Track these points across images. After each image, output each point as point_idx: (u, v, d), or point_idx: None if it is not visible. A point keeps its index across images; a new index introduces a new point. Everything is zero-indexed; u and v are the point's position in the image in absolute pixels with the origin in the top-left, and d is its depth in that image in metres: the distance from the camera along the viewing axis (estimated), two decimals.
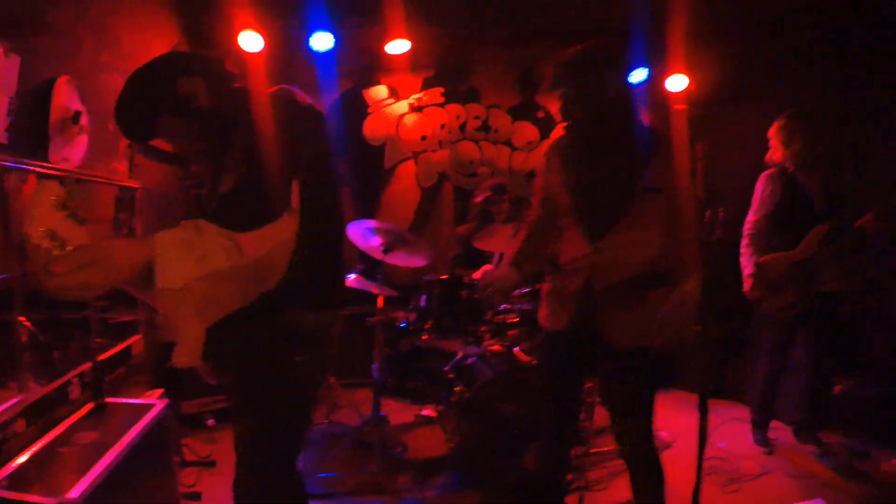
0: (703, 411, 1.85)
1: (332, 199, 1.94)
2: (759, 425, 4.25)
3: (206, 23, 5.11)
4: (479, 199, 4.49)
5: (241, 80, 1.92)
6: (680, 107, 5.87)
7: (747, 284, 3.94)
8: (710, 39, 5.73)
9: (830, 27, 5.22)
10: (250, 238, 1.51)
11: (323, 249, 1.88)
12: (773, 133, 4.03)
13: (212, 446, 3.78)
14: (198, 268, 1.43)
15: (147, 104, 1.77)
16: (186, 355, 1.49)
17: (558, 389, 2.58)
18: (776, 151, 4.00)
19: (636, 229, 2.32)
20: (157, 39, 4.38)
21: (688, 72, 5.88)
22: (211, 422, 4.12)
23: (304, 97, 1.84)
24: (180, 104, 1.77)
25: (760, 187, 4.02)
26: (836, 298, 3.99)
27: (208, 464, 3.56)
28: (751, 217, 4.04)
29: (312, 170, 1.75)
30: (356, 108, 6.02)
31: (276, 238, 1.59)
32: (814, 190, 3.90)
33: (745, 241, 4.02)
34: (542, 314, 2.57)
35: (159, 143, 1.87)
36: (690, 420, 2.05)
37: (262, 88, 1.85)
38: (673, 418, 4.61)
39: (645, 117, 2.53)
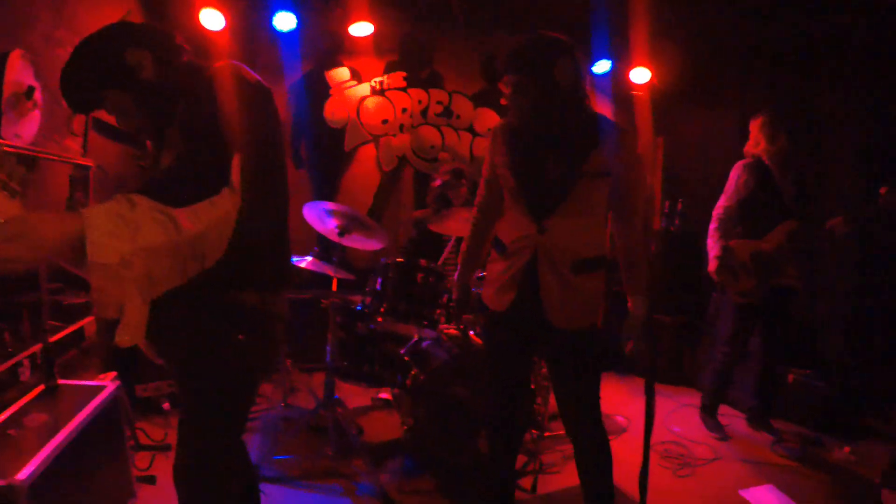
0: (650, 395, 1.90)
1: (277, 177, 1.90)
2: (709, 411, 4.36)
3: (166, 1, 5.04)
4: (437, 183, 4.50)
5: (189, 55, 1.89)
6: (637, 92, 5.97)
7: (713, 265, 4.03)
8: (672, 34, 5.82)
9: (791, 24, 5.33)
10: (186, 213, 1.48)
11: (266, 228, 1.85)
12: (757, 126, 4.10)
13: (167, 430, 3.75)
14: (131, 242, 1.39)
15: (92, 74, 1.74)
16: (129, 334, 1.48)
17: (504, 370, 2.59)
18: (758, 144, 4.09)
19: (580, 211, 2.34)
20: (114, 15, 4.29)
21: (650, 65, 5.98)
22: (166, 405, 4.08)
23: (250, 73, 1.81)
24: (125, 76, 1.74)
25: (735, 175, 4.12)
26: (791, 293, 4.13)
27: (163, 447, 3.54)
28: (723, 202, 4.14)
29: (255, 147, 1.71)
30: (318, 89, 5.99)
31: (214, 214, 1.54)
32: (785, 185, 4.02)
33: (714, 225, 4.12)
34: (487, 294, 2.57)
35: (107, 117, 1.84)
36: (642, 406, 2.11)
37: (208, 64, 1.82)
38: (629, 403, 4.73)
39: (598, 105, 2.55)
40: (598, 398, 2.48)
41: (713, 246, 4.07)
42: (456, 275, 2.83)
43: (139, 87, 1.76)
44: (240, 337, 1.78)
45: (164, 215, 1.45)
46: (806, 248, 3.95)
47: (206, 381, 1.80)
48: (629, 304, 2.52)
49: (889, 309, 4.62)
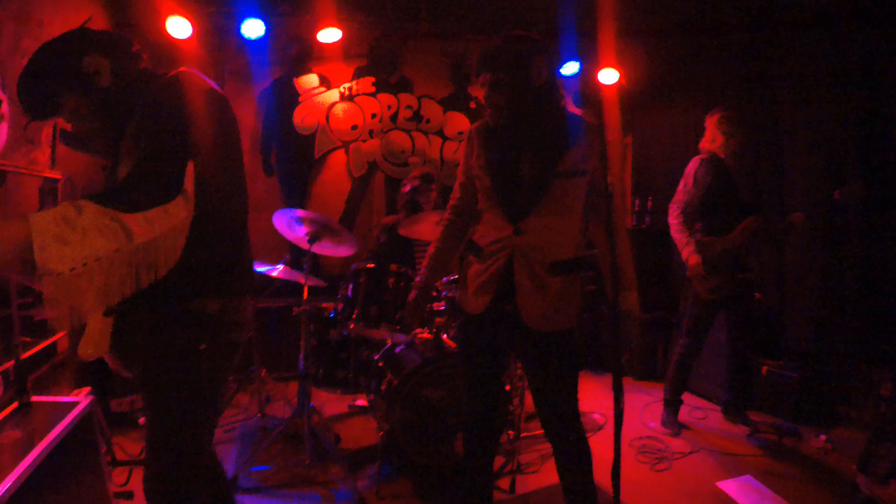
0: (618, 390, 1.92)
1: (233, 184, 1.90)
2: (671, 405, 4.38)
3: (132, 8, 4.99)
4: (407, 188, 4.50)
5: (146, 63, 1.90)
6: (604, 94, 6.02)
7: (693, 259, 4.06)
8: (638, 36, 5.89)
9: (754, 25, 5.42)
10: (138, 220, 1.47)
11: (223, 235, 1.85)
12: (713, 123, 4.15)
13: (143, 445, 3.71)
14: (80, 247, 1.37)
15: (50, 79, 1.73)
16: (92, 347, 1.46)
17: (479, 373, 2.59)
18: (714, 140, 4.14)
19: (556, 212, 2.34)
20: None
21: (618, 66, 6.03)
22: (142, 420, 4.02)
23: (205, 80, 1.80)
24: (83, 82, 1.75)
25: (692, 171, 4.17)
26: (755, 286, 4.19)
27: (140, 462, 3.48)
28: (680, 197, 4.19)
29: (210, 154, 1.72)
30: (287, 96, 5.96)
31: (168, 222, 1.54)
32: (741, 182, 4.08)
33: (678, 221, 4.16)
34: (462, 297, 2.57)
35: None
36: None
37: (164, 72, 1.82)
38: (605, 401, 4.76)
39: (571, 106, 2.57)
40: (575, 398, 2.47)
41: (685, 241, 4.11)
42: (418, 278, 2.75)
43: (96, 93, 1.77)
44: (201, 347, 1.77)
45: (115, 221, 1.43)
46: (769, 243, 4.02)
47: (170, 390, 1.78)
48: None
49: (856, 298, 4.69)
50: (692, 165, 4.18)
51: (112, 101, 1.78)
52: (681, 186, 4.20)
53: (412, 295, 2.71)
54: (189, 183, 1.60)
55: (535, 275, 2.34)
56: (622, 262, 2.45)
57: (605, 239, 2.43)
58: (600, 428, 4.27)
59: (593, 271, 2.62)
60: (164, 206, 1.53)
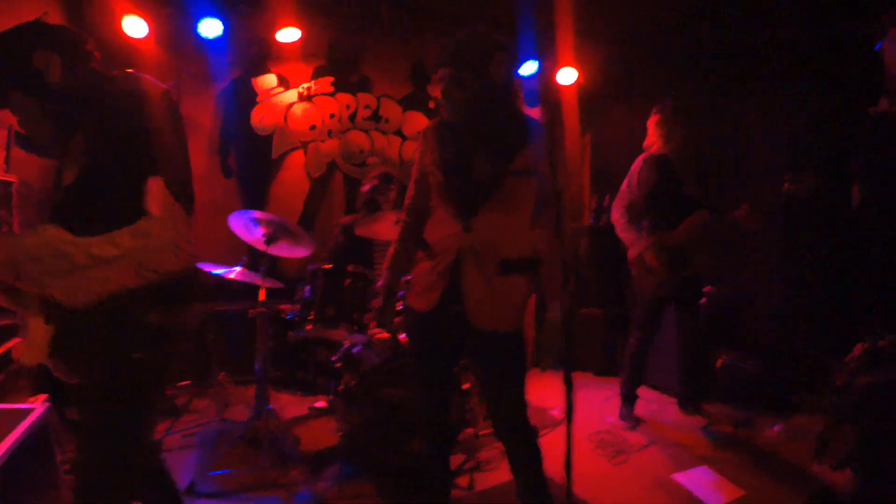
0: (568, 385, 1.96)
1: (186, 192, 1.86)
2: (628, 400, 4.43)
3: (87, 6, 4.90)
4: (366, 187, 4.49)
5: (97, 62, 1.86)
6: (562, 93, 6.11)
7: (649, 255, 4.11)
8: (596, 35, 5.95)
9: (711, 25, 5.51)
10: (97, 242, 1.48)
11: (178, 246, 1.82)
12: (655, 122, 4.23)
13: None
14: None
15: None
16: (33, 354, 1.45)
17: (431, 372, 2.58)
18: (657, 139, 4.22)
19: (507, 210, 2.34)
20: None
21: (576, 65, 6.11)
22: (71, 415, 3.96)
23: (155, 83, 1.78)
24: (32, 78, 1.72)
25: (636, 169, 4.25)
26: (702, 280, 4.28)
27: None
28: (624, 196, 4.27)
29: (177, 168, 1.71)
30: (245, 96, 5.91)
31: (135, 243, 1.54)
32: (687, 178, 4.15)
33: (624, 219, 4.22)
34: (412, 295, 2.55)
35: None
36: (578, 398, 2.15)
37: (114, 73, 1.80)
38: (563, 397, 4.80)
39: (526, 106, 2.57)
40: (524, 398, 2.47)
41: (630, 238, 4.19)
42: (381, 281, 2.72)
43: (45, 90, 1.73)
44: (137, 355, 1.75)
45: (74, 246, 1.44)
46: (716, 237, 4.09)
47: (101, 398, 1.76)
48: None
49: (811, 289, 4.79)
50: (635, 165, 4.27)
51: (62, 99, 1.75)
52: (624, 185, 4.28)
53: (377, 301, 2.69)
54: (155, 201, 1.58)
55: (484, 273, 2.33)
56: (556, 270, 2.46)
57: (554, 242, 2.41)
58: (559, 424, 4.30)
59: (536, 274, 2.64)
60: (132, 228, 1.54)
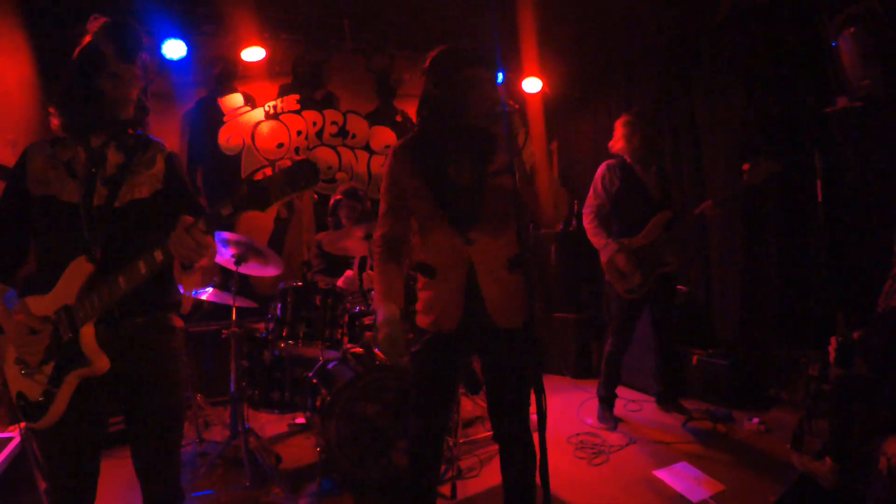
0: (539, 387, 1.98)
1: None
2: (606, 402, 4.45)
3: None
4: (331, 203, 4.52)
5: None
6: (528, 101, 6.18)
7: (620, 259, 4.15)
8: (560, 45, 6.04)
9: (672, 34, 5.62)
10: None
11: None
12: (618, 126, 4.31)
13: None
14: None
15: None
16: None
17: (437, 397, 2.48)
18: (619, 143, 4.30)
19: (497, 212, 2.35)
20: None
21: (541, 75, 6.20)
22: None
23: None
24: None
25: (600, 175, 4.32)
26: (675, 279, 4.34)
27: None
28: (592, 201, 4.32)
29: None
30: (212, 116, 5.90)
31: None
32: (650, 181, 4.23)
33: (594, 224, 4.27)
34: (427, 320, 2.42)
35: None
36: (557, 401, 2.18)
37: None
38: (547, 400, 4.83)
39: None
40: (529, 399, 2.44)
41: (601, 242, 4.23)
42: (380, 316, 2.39)
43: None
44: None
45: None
46: (682, 235, 4.16)
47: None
48: None
49: (777, 283, 4.85)
50: (599, 171, 4.34)
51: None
52: (591, 192, 4.34)
53: (382, 334, 2.37)
54: None
55: (497, 276, 2.35)
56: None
57: (520, 243, 2.37)
58: (534, 429, 4.33)
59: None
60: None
